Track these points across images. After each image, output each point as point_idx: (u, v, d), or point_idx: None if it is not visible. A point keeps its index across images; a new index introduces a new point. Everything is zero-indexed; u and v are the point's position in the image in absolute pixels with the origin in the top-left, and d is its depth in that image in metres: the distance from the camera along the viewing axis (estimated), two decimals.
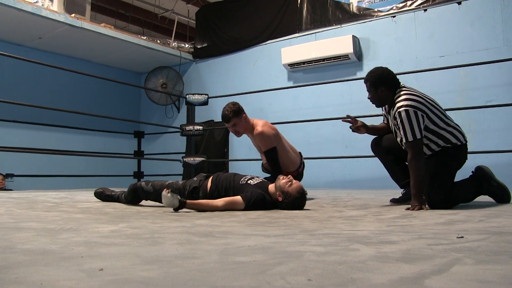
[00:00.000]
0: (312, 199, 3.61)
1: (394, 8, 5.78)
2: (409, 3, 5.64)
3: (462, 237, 1.43)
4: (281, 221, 2.03)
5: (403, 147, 2.81)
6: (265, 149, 3.45)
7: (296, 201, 2.70)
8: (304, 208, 2.77)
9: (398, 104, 2.70)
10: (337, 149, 5.96)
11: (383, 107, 3.03)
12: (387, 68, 2.96)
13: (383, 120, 3.21)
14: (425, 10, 5.52)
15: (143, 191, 2.99)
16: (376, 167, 5.67)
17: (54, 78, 7.08)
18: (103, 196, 3.39)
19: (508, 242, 1.35)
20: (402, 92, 2.78)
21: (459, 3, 5.31)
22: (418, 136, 2.62)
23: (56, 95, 7.13)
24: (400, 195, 3.12)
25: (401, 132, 2.66)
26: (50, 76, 7.01)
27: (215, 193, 2.84)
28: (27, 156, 6.56)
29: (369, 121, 5.74)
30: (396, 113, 2.69)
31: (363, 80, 3.04)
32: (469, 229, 1.65)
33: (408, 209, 2.58)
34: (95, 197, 3.43)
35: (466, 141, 2.84)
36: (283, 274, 0.93)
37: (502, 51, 4.92)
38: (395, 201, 3.10)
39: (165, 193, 2.50)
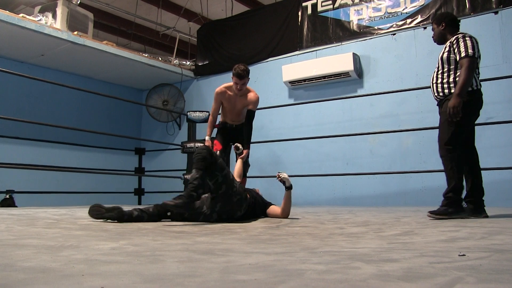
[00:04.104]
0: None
1: (394, 26, 5.84)
2: (408, 21, 5.70)
3: (464, 255, 1.42)
4: (282, 238, 2.02)
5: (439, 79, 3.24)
6: (255, 109, 4.35)
7: None
8: (305, 225, 2.75)
9: (459, 35, 3.18)
10: (338, 166, 5.96)
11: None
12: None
13: None
14: (425, 28, 5.58)
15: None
16: (377, 184, 5.68)
17: (56, 95, 7.13)
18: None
19: (511, 261, 1.34)
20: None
21: (458, 21, 5.35)
22: (477, 55, 3.07)
23: (57, 111, 7.17)
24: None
25: (462, 48, 3.08)
26: (52, 93, 7.06)
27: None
28: (27, 173, 6.56)
29: (368, 137, 5.76)
30: (460, 37, 3.14)
31: (361, 97, 3.14)
32: (471, 247, 1.64)
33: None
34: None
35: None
36: None
37: (502, 68, 4.95)
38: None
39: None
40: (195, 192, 2.90)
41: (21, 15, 5.60)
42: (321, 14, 6.51)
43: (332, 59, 6.06)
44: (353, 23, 6.21)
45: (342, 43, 6.28)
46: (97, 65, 7.19)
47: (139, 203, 7.97)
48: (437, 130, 3.29)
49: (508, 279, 1.06)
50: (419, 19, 5.63)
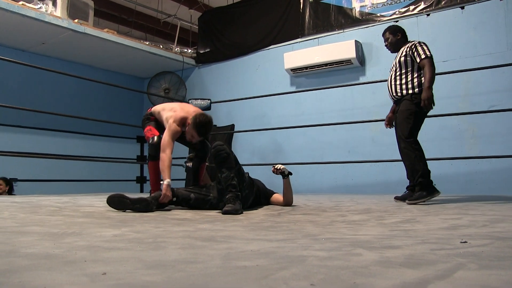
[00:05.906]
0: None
1: (397, 13, 5.78)
2: (411, 8, 5.65)
3: (465, 242, 1.42)
4: (284, 225, 2.03)
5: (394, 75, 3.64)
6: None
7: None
8: (307, 212, 2.76)
9: (415, 42, 3.58)
10: (340, 154, 5.95)
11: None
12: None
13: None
14: (428, 15, 5.53)
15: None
16: (379, 172, 5.67)
17: (57, 83, 7.11)
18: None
19: None
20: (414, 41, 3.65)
21: (462, 7, 5.31)
22: (432, 55, 3.46)
23: (59, 100, 7.15)
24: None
25: (420, 51, 3.46)
26: (53, 81, 7.04)
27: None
28: (30, 161, 6.57)
29: (370, 125, 5.75)
30: (417, 43, 3.53)
31: (363, 85, 3.31)
32: (473, 234, 1.64)
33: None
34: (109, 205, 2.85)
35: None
36: (286, 279, 0.93)
37: (506, 56, 4.91)
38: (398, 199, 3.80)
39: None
40: (239, 191, 2.94)
41: (21, 2, 5.56)
42: (323, 1, 6.44)
43: (334, 47, 6.01)
44: (355, 10, 6.16)
45: (344, 31, 6.23)
46: (98, 53, 7.15)
47: (141, 191, 7.99)
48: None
49: (509, 265, 1.06)
50: (422, 5, 5.57)
